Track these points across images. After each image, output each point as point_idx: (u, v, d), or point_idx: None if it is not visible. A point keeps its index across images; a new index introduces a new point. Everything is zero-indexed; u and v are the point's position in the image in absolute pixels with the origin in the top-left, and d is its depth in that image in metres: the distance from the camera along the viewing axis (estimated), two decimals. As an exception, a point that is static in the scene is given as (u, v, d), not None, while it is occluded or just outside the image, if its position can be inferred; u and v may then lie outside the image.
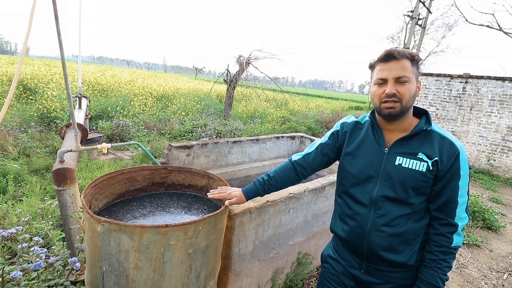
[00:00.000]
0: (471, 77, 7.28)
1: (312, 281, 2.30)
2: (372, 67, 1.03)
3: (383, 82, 0.96)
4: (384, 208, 0.99)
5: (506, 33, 12.58)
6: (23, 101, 7.80)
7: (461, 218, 0.96)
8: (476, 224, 4.02)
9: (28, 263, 1.24)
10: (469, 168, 7.32)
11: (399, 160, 0.98)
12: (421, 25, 12.39)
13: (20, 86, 8.60)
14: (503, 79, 6.85)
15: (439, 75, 7.81)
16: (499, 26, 12.76)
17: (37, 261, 1.21)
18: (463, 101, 7.45)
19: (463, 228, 0.98)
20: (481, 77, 7.13)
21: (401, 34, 19.74)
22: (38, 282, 1.42)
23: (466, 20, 14.12)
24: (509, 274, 2.99)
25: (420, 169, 0.94)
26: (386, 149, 1.01)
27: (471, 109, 7.35)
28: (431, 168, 0.94)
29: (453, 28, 20.06)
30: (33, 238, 1.46)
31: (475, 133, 7.34)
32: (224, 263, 1.58)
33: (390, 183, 0.98)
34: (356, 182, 1.07)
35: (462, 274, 2.88)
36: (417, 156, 0.96)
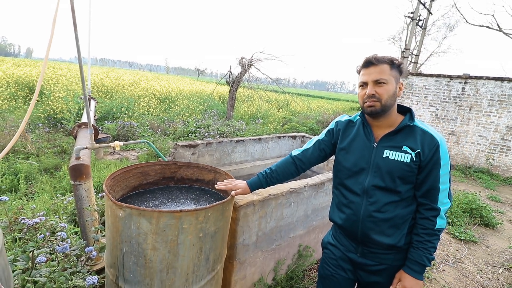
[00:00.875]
0: (470, 77, 7.37)
1: (312, 273, 2.41)
2: (358, 72, 1.17)
3: (364, 85, 1.11)
4: (375, 196, 1.11)
5: (505, 33, 12.65)
6: (30, 102, 7.99)
7: (443, 203, 1.08)
8: (474, 221, 4.11)
9: (55, 247, 1.37)
10: (469, 168, 7.40)
11: (386, 153, 1.10)
12: (422, 26, 12.49)
13: (26, 88, 8.79)
14: (501, 79, 6.94)
15: (438, 75, 7.90)
16: (498, 26, 12.83)
17: (63, 244, 1.33)
18: (463, 101, 7.53)
19: (446, 212, 1.10)
20: (480, 78, 7.22)
21: (402, 35, 19.83)
22: (57, 270, 1.55)
23: (466, 21, 14.20)
24: (505, 268, 3.08)
25: (405, 160, 1.06)
26: (375, 143, 1.14)
27: (470, 109, 7.43)
28: (414, 159, 1.06)
29: (454, 29, 20.13)
30: (59, 224, 1.59)
31: (475, 133, 7.42)
32: (230, 252, 1.69)
33: (379, 174, 1.11)
34: (350, 174, 1.19)
35: (459, 269, 2.98)
36: (402, 148, 1.08)
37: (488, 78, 7.11)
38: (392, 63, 1.08)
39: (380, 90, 1.07)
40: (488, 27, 13.23)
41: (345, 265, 1.27)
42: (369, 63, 1.09)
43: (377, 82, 1.07)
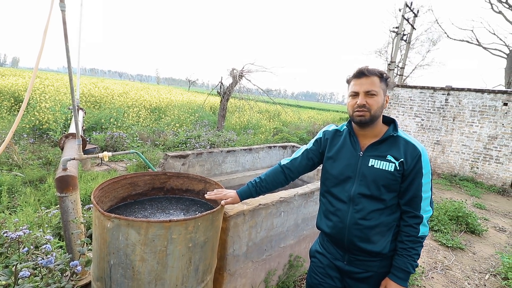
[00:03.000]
0: (453, 89, 7.68)
1: (303, 283, 2.40)
2: (348, 81, 1.21)
3: (355, 94, 1.15)
4: (361, 204, 1.14)
5: (484, 48, 13.32)
6: (15, 113, 7.80)
7: (426, 210, 1.11)
8: (460, 228, 4.20)
9: (39, 261, 1.32)
10: (454, 176, 7.60)
11: (371, 162, 1.14)
12: (406, 40, 13.02)
13: (12, 98, 8.59)
14: (482, 91, 7.26)
15: (423, 87, 8.20)
16: (477, 41, 13.51)
17: (48, 257, 1.29)
18: (446, 112, 7.81)
19: (428, 219, 1.13)
20: (462, 89, 7.54)
21: (388, 48, 20.57)
22: (41, 286, 1.49)
23: (448, 36, 14.90)
24: (491, 274, 3.14)
25: (389, 169, 1.10)
26: (361, 152, 1.18)
27: (454, 120, 7.71)
28: (398, 168, 1.10)
29: (437, 43, 21.05)
30: (44, 237, 1.54)
31: (459, 142, 7.67)
32: (220, 263, 1.68)
33: (365, 182, 1.14)
34: (336, 182, 1.22)
35: (447, 275, 3.02)
36: (386, 158, 1.12)
37: (469, 89, 7.43)
38: (382, 76, 1.13)
39: (371, 101, 1.11)
40: (468, 41, 13.91)
41: (333, 273, 1.28)
42: (361, 73, 1.13)
43: (368, 93, 1.11)
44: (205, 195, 1.39)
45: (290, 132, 11.16)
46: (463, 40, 14.41)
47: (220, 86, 8.30)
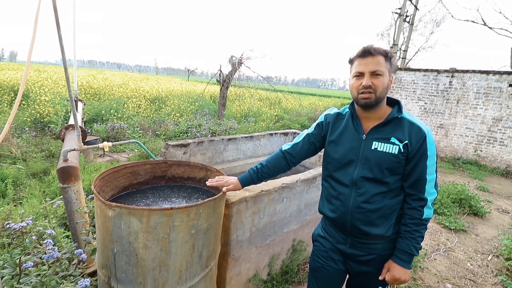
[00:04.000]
0: (457, 71, 7.53)
1: (307, 266, 2.43)
2: (351, 62, 1.15)
3: (360, 75, 1.09)
4: (364, 187, 1.12)
5: (490, 27, 12.95)
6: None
7: (430, 193, 1.09)
8: (463, 210, 4.21)
9: (42, 255, 1.34)
10: (457, 159, 7.57)
11: (375, 144, 1.11)
12: (409, 21, 12.67)
13: (11, 92, 8.56)
14: (487, 72, 7.11)
15: (426, 70, 8.04)
16: (483, 21, 13.12)
17: (50, 252, 1.30)
18: (450, 95, 7.69)
19: (433, 202, 1.12)
20: (467, 71, 7.38)
21: (390, 31, 20.08)
22: (48, 274, 1.51)
23: (452, 16, 14.48)
24: (494, 255, 3.17)
25: (393, 152, 1.07)
26: (364, 135, 1.15)
27: (457, 102, 7.60)
28: (402, 150, 1.07)
29: (440, 24, 20.49)
30: (46, 231, 1.56)
31: (462, 125, 7.59)
32: (224, 249, 1.69)
33: (368, 165, 1.12)
34: (339, 166, 1.20)
35: (449, 257, 3.05)
36: (390, 140, 1.09)
37: (474, 71, 7.27)
38: (387, 56, 1.07)
39: (376, 81, 1.05)
40: (473, 21, 13.52)
41: (335, 256, 1.28)
42: (367, 52, 1.06)
43: (374, 74, 1.05)
44: (207, 182, 1.38)
45: (291, 119, 11.09)
46: (468, 20, 14.01)
47: (219, 74, 8.19)
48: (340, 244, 1.26)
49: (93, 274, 1.90)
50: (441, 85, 7.81)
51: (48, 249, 1.35)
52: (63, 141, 2.68)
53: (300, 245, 2.34)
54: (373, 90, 1.06)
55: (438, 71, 7.83)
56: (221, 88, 8.32)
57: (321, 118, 1.33)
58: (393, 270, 1.12)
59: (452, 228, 3.66)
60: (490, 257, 3.13)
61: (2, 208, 2.93)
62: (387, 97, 1.17)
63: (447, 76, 7.71)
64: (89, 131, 6.41)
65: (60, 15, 1.56)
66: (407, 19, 12.48)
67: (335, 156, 1.21)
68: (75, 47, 3.16)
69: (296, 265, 2.31)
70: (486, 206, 4.50)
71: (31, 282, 1.29)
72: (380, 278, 1.17)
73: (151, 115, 8.95)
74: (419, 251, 1.13)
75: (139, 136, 6.60)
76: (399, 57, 13.08)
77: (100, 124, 6.80)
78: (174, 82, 20.33)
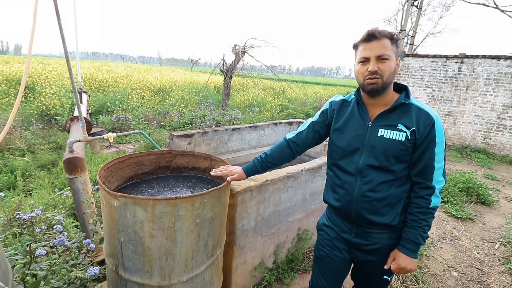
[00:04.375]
0: (467, 57, 7.30)
1: (312, 255, 2.45)
2: (355, 47, 1.11)
3: (365, 60, 1.04)
4: (369, 176, 1.10)
5: (502, 10, 12.46)
6: (22, 99, 7.87)
7: (438, 181, 1.06)
8: (470, 199, 4.17)
9: (52, 240, 1.36)
10: (465, 148, 7.45)
11: (381, 132, 1.08)
12: (417, 6, 12.25)
13: (18, 85, 8.63)
14: (498, 57, 6.88)
15: (435, 56, 7.83)
16: (495, 3, 12.62)
17: (60, 237, 1.33)
18: (459, 81, 7.50)
19: (441, 190, 1.09)
20: (477, 57, 7.16)
21: (398, 16, 19.52)
22: (59, 262, 1.55)
23: (463, -1, 13.94)
24: (501, 243, 3.15)
25: (400, 139, 1.04)
26: (370, 122, 1.11)
27: (467, 89, 7.41)
28: (409, 137, 1.04)
29: (450, 8, 19.81)
30: (55, 217, 1.59)
31: (471, 113, 7.42)
32: (229, 238, 1.71)
33: (373, 153, 1.09)
34: (344, 154, 1.18)
35: (455, 245, 3.04)
36: (397, 127, 1.06)
37: (484, 56, 7.05)
38: (392, 38, 1.02)
39: (383, 66, 1.01)
40: (484, 4, 13.02)
41: (340, 245, 1.27)
42: (372, 36, 1.02)
43: (380, 58, 1.01)
44: (211, 172, 1.37)
45: (296, 108, 10.99)
46: (478, 3, 13.49)
47: (223, 64, 8.10)
48: (345, 233, 1.25)
49: (102, 262, 1.94)
50: (450, 71, 7.61)
51: (58, 235, 1.38)
52: (68, 132, 2.70)
53: (305, 234, 2.35)
54: (379, 75, 1.02)
55: (447, 57, 7.61)
56: (224, 78, 8.25)
57: (326, 106, 1.30)
58: (398, 259, 1.11)
59: (459, 216, 3.64)
60: (497, 245, 3.10)
61: (12, 199, 3.00)
62: (395, 83, 1.13)
63: (456, 62, 7.49)
64: (94, 122, 6.46)
65: (60, 5, 1.53)
66: (415, 3, 12.07)
67: (340, 144, 1.19)
68: (77, 39, 3.14)
69: (301, 254, 2.33)
70: (494, 195, 4.44)
71: (41, 269, 1.33)
72: (386, 267, 1.16)
73: (156, 106, 8.97)
74: (426, 240, 1.11)
75: (144, 127, 6.64)
76: (407, 43, 12.73)
77: (105, 116, 6.85)
78: (177, 73, 20.24)
